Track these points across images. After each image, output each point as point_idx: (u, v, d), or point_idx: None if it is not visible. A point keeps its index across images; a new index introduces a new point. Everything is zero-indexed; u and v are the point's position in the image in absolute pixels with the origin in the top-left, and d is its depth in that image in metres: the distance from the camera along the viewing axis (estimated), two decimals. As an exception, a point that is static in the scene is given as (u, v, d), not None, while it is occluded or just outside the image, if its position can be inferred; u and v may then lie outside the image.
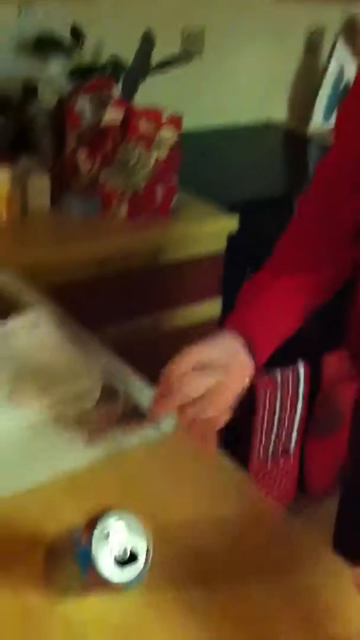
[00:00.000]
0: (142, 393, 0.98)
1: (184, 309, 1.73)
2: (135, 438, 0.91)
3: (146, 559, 0.64)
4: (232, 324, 0.89)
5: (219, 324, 1.67)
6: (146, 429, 0.91)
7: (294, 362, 1.92)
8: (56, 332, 1.04)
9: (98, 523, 0.64)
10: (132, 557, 0.64)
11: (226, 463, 0.90)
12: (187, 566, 0.76)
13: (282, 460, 1.98)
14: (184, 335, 1.69)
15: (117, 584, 0.63)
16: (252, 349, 0.87)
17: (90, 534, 0.64)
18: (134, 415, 0.94)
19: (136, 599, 0.70)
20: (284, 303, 0.93)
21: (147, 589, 0.67)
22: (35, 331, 1.04)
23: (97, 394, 0.95)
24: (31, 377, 0.95)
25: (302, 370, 1.92)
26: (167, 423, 0.91)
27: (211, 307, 1.77)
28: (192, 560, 0.76)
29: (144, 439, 0.91)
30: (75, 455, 0.87)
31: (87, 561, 0.63)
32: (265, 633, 0.70)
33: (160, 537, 0.66)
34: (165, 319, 1.71)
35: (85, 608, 0.70)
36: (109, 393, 0.97)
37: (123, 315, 1.62)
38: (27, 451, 0.87)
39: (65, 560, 0.68)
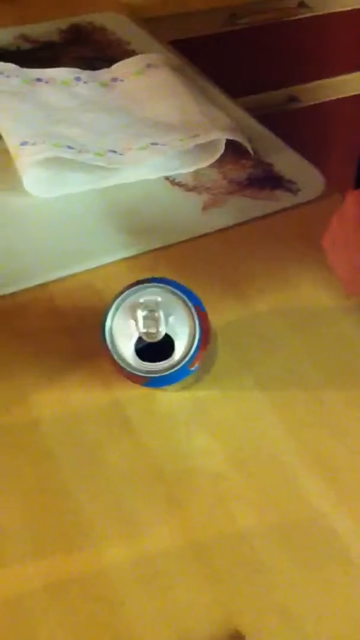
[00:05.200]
0: (278, 156, 0.77)
1: (329, 80, 1.46)
2: (263, 209, 0.72)
3: (190, 345, 0.48)
4: None
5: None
6: (283, 199, 0.72)
7: None
8: (173, 78, 0.83)
9: (124, 293, 0.48)
10: (168, 345, 0.48)
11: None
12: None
13: None
14: (330, 111, 1.43)
15: (135, 373, 0.48)
16: None
17: (114, 300, 0.48)
18: (266, 181, 0.74)
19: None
20: None
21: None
22: (147, 78, 0.84)
23: (220, 149, 0.76)
24: (144, 131, 0.76)
25: None
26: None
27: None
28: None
29: (274, 210, 0.72)
30: (189, 225, 0.70)
31: (103, 335, 0.48)
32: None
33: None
34: (308, 91, 1.44)
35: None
36: (235, 153, 0.77)
37: (257, 83, 1.37)
38: (137, 217, 0.70)
39: None
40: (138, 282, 0.50)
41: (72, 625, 0.44)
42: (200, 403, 0.56)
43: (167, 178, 0.75)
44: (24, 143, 0.70)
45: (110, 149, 0.72)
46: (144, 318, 0.48)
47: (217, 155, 0.76)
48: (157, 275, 0.51)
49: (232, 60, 1.32)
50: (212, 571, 0.47)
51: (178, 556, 0.47)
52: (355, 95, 1.50)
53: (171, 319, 0.49)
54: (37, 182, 0.71)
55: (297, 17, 1.35)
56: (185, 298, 0.49)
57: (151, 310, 0.48)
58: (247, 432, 0.54)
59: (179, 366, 0.49)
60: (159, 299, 0.49)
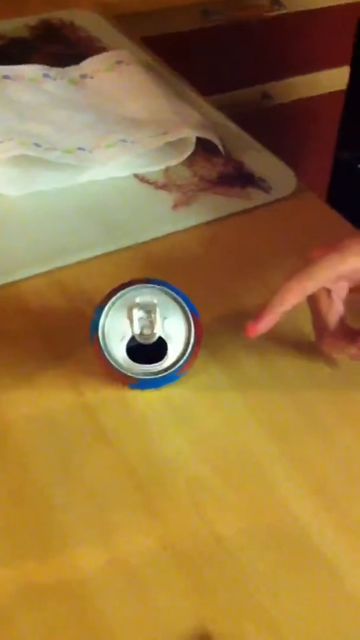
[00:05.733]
0: (250, 154, 0.77)
1: (302, 77, 1.46)
2: (234, 206, 0.72)
3: (183, 351, 0.48)
4: None
5: (346, 99, 1.40)
6: (255, 197, 0.72)
7: None
8: (144, 75, 0.82)
9: (120, 291, 0.48)
10: (162, 349, 0.48)
11: None
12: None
13: None
14: (303, 108, 1.43)
15: (124, 373, 0.47)
16: None
17: (109, 297, 0.48)
18: (237, 179, 0.74)
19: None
20: None
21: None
22: (117, 74, 0.83)
23: (190, 148, 0.75)
24: (113, 128, 0.75)
25: None
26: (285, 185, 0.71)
27: (337, 77, 1.49)
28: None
29: (245, 208, 0.72)
30: (159, 223, 0.69)
31: (94, 330, 0.48)
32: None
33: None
34: (281, 88, 1.44)
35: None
36: (205, 150, 0.77)
37: (230, 81, 1.37)
38: (107, 215, 0.69)
39: None
40: (133, 282, 0.49)
41: (47, 632, 0.43)
42: (175, 405, 0.55)
43: (137, 176, 0.74)
44: (-9, 141, 0.69)
45: (79, 146, 0.72)
46: (140, 319, 0.48)
47: (188, 153, 0.75)
48: (151, 276, 0.50)
49: (204, 58, 1.32)
50: (189, 577, 0.46)
51: (154, 562, 0.47)
52: (328, 93, 1.51)
53: (166, 322, 0.48)
54: (5, 180, 0.70)
55: (270, 15, 1.35)
56: (183, 303, 0.49)
57: (148, 312, 0.48)
58: (224, 434, 0.54)
59: (169, 371, 0.48)
60: (155, 300, 0.48)
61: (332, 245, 0.52)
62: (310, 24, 1.41)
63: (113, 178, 0.73)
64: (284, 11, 1.36)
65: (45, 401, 0.55)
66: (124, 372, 0.48)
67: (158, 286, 0.48)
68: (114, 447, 0.52)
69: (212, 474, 0.51)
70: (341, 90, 1.48)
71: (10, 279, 0.63)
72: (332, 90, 1.50)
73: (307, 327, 0.58)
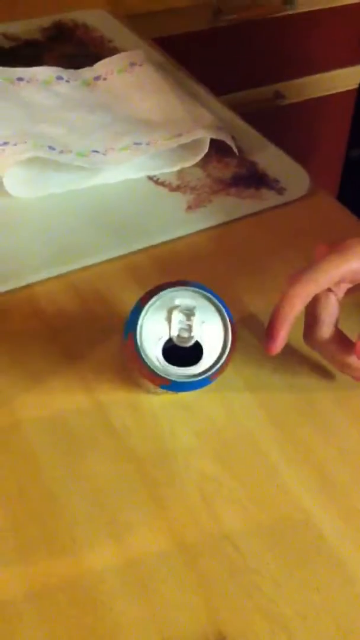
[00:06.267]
0: (263, 154, 0.77)
1: (315, 76, 1.45)
2: (248, 208, 0.71)
3: (219, 357, 0.48)
4: None
5: (357, 98, 1.39)
6: (268, 198, 0.71)
7: None
8: (157, 76, 0.82)
9: (160, 292, 0.48)
10: (196, 352, 0.47)
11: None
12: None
13: None
14: (315, 108, 1.43)
15: (158, 374, 0.47)
16: None
17: (149, 297, 0.47)
18: (251, 180, 0.74)
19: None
20: None
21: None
22: (130, 76, 0.83)
23: (205, 148, 0.75)
24: (127, 129, 0.75)
25: None
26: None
27: (348, 76, 1.48)
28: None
29: (259, 209, 0.71)
30: (173, 225, 0.69)
31: (130, 328, 0.47)
32: None
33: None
34: (293, 87, 1.44)
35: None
36: (219, 151, 0.76)
37: (242, 80, 1.37)
38: (120, 217, 0.69)
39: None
40: (173, 283, 0.49)
41: (56, 631, 0.44)
42: (185, 404, 0.55)
43: (150, 178, 0.74)
44: (4, 143, 0.69)
45: (93, 149, 0.72)
46: (179, 321, 0.48)
47: (202, 155, 0.75)
48: (186, 279, 0.50)
49: (216, 58, 1.32)
50: (198, 573, 0.46)
51: (163, 559, 0.47)
52: (341, 92, 1.50)
53: (203, 326, 0.48)
54: (18, 182, 0.70)
55: (282, 14, 1.35)
56: (223, 309, 0.48)
57: (187, 315, 0.48)
58: (233, 432, 0.54)
59: (203, 376, 0.48)
60: (195, 304, 0.48)
61: (334, 245, 0.52)
62: (321, 23, 1.41)
63: (126, 180, 0.73)
64: (295, 10, 1.35)
65: (57, 402, 0.55)
66: (159, 373, 0.47)
67: (198, 289, 0.48)
68: (124, 446, 0.53)
69: (222, 471, 0.51)
70: (353, 89, 1.48)
71: (23, 282, 0.63)
72: (344, 89, 1.49)
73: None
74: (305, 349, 0.58)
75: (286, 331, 0.51)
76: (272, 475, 0.51)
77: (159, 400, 0.55)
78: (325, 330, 0.53)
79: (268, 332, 0.52)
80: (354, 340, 0.53)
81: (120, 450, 0.52)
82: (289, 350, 0.58)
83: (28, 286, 0.63)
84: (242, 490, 0.50)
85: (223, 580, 0.46)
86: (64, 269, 0.65)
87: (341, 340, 0.54)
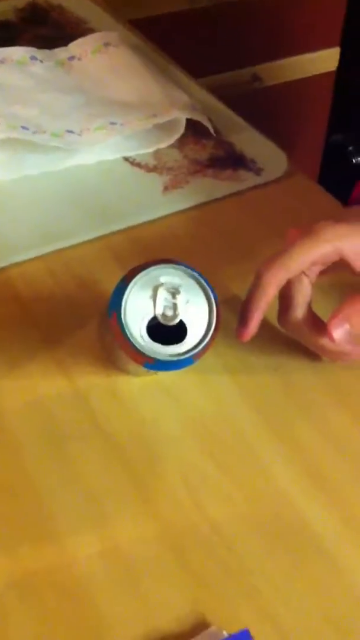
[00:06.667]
0: (240, 136, 0.76)
1: (294, 58, 1.45)
2: (226, 189, 0.71)
3: (203, 336, 0.47)
4: None
5: (336, 81, 1.39)
6: (246, 179, 0.71)
7: None
8: (133, 57, 0.81)
9: (145, 269, 0.47)
10: (179, 332, 0.47)
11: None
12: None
13: None
14: (293, 90, 1.42)
15: (142, 352, 0.46)
16: None
17: (133, 274, 0.47)
18: (228, 161, 0.73)
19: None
20: None
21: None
22: (105, 56, 0.82)
23: (180, 129, 0.74)
24: (102, 110, 0.74)
25: None
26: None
27: (327, 58, 1.48)
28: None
29: (236, 190, 0.71)
30: (149, 206, 0.69)
31: (115, 306, 0.47)
32: None
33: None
34: (271, 70, 1.43)
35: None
36: (196, 133, 0.76)
37: (219, 63, 1.36)
38: (97, 199, 0.69)
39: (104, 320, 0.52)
40: (158, 261, 0.48)
41: (41, 622, 0.43)
42: (166, 390, 0.55)
43: (126, 159, 0.73)
44: (-23, 125, 0.68)
45: (67, 129, 0.71)
46: (164, 299, 0.47)
47: (177, 135, 0.75)
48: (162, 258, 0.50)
49: (192, 40, 1.30)
50: (184, 564, 0.46)
51: (148, 549, 0.46)
52: (318, 75, 1.50)
53: (188, 305, 0.47)
54: (-8, 164, 0.69)
55: (259, -5, 1.34)
56: (208, 289, 0.48)
57: (172, 293, 0.47)
58: (217, 419, 0.53)
59: (187, 355, 0.47)
60: (180, 282, 0.48)
61: (305, 229, 0.52)
62: (299, 4, 1.40)
63: (102, 161, 0.72)
64: (273, -8, 1.35)
65: (36, 387, 0.55)
66: (143, 351, 0.47)
67: (184, 268, 0.48)
68: (106, 433, 0.52)
69: (206, 460, 0.51)
70: (332, 72, 1.47)
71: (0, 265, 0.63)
72: (322, 72, 1.49)
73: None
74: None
75: (258, 318, 0.51)
76: (258, 463, 0.51)
77: (139, 385, 0.55)
78: (299, 312, 0.53)
79: (241, 319, 0.52)
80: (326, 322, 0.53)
81: (102, 438, 0.52)
82: (272, 333, 0.58)
83: (4, 269, 0.63)
84: (227, 479, 0.50)
85: (210, 571, 0.45)
86: (41, 251, 0.64)
87: (314, 322, 0.53)
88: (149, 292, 0.47)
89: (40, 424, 0.52)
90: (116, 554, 0.46)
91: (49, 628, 0.43)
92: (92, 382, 0.55)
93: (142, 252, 0.64)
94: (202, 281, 0.48)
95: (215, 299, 0.48)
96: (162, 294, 0.47)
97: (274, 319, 0.55)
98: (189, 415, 0.54)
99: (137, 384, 0.55)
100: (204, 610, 0.44)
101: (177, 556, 0.46)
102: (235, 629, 0.43)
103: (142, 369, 0.49)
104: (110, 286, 0.49)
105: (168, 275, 0.47)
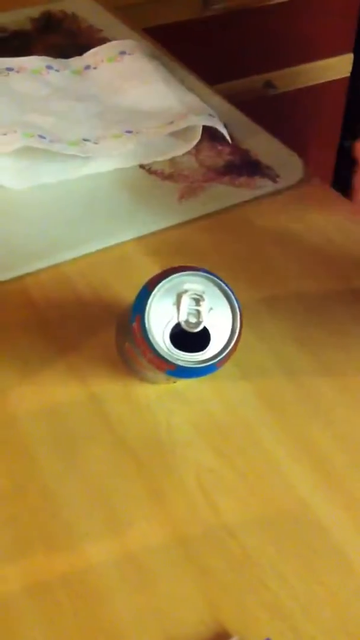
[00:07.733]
0: (256, 142, 0.76)
1: (307, 65, 1.45)
2: (241, 195, 0.71)
3: (227, 344, 0.47)
4: None
5: (349, 87, 1.39)
6: (262, 186, 0.71)
7: None
8: (148, 65, 0.81)
9: (169, 276, 0.47)
10: (203, 338, 0.47)
11: None
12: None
13: None
14: (306, 97, 1.42)
15: (165, 358, 0.46)
16: None
17: (157, 280, 0.47)
18: (244, 168, 0.73)
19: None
20: None
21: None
22: (121, 65, 0.82)
23: (197, 136, 0.74)
24: (118, 118, 0.74)
25: None
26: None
27: (340, 65, 1.47)
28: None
29: (252, 197, 0.71)
30: (165, 214, 0.69)
31: (138, 311, 0.47)
32: None
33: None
34: (284, 76, 1.43)
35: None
36: (212, 139, 0.76)
37: (232, 70, 1.36)
38: (113, 206, 0.69)
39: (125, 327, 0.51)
40: (183, 267, 0.48)
41: (54, 625, 0.43)
42: (180, 394, 0.55)
43: (142, 166, 0.73)
44: (-6, 133, 0.68)
45: (84, 137, 0.71)
46: (188, 306, 0.47)
47: (194, 143, 0.75)
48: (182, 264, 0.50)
49: (206, 47, 1.31)
50: (197, 565, 0.46)
51: (162, 551, 0.46)
52: (331, 81, 1.49)
53: (212, 312, 0.47)
54: (8, 173, 0.69)
55: (272, 2, 1.34)
56: (232, 296, 0.48)
57: (196, 300, 0.47)
58: (230, 422, 0.53)
59: (210, 362, 0.47)
60: (204, 289, 0.47)
61: None
62: (312, 11, 1.40)
63: (119, 169, 0.73)
64: (286, -1, 1.35)
65: (51, 394, 0.55)
66: (165, 357, 0.47)
67: (208, 275, 0.48)
68: (120, 438, 0.52)
69: (219, 461, 0.51)
70: (345, 78, 1.47)
71: (15, 274, 0.63)
72: (335, 78, 1.48)
73: (313, 317, 0.57)
74: (303, 336, 0.57)
75: None
76: (270, 463, 0.51)
77: (154, 390, 0.55)
78: None
79: None
80: None
81: (116, 443, 0.52)
82: (286, 339, 0.58)
83: (20, 277, 0.63)
84: (240, 480, 0.50)
85: (223, 572, 0.45)
86: (55, 259, 0.64)
87: None
88: (173, 299, 0.47)
89: (55, 430, 0.52)
90: (129, 556, 0.46)
91: (63, 633, 0.43)
92: (107, 388, 0.55)
93: (158, 261, 0.64)
94: (226, 288, 0.48)
95: (239, 305, 0.48)
96: (186, 300, 0.47)
97: (288, 324, 0.55)
98: (203, 420, 0.53)
99: (152, 390, 0.55)
100: (218, 610, 0.44)
101: (191, 557, 0.46)
102: (250, 631, 0.42)
103: (162, 376, 0.49)
104: (125, 294, 0.49)
105: (192, 283, 0.47)
